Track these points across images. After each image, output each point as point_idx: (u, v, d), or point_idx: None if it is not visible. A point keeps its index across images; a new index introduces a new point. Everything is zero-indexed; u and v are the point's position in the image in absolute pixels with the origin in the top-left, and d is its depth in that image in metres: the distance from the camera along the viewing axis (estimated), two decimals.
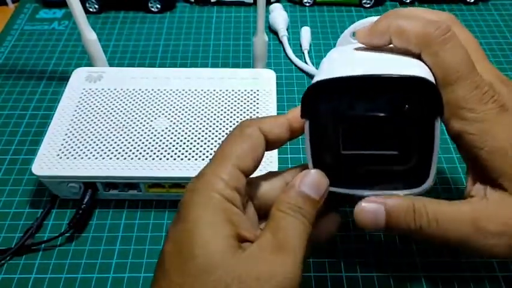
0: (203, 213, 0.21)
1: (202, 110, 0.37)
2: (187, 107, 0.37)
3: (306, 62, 0.49)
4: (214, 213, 0.21)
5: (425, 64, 0.23)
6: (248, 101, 0.38)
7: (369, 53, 0.24)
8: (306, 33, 0.51)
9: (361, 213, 0.22)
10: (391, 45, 0.24)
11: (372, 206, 0.22)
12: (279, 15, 0.53)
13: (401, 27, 0.23)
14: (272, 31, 0.53)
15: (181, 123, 0.36)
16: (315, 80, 0.22)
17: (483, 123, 0.22)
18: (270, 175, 0.25)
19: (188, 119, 0.37)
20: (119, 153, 0.34)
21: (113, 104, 0.38)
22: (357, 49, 0.25)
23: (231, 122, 0.36)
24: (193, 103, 0.38)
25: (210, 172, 0.22)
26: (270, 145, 0.23)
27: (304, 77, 0.48)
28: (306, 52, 0.49)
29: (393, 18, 0.24)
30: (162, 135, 0.35)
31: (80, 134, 0.35)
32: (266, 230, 0.21)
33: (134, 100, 0.38)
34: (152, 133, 0.36)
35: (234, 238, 0.20)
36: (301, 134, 0.23)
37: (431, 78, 0.22)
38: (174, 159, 0.34)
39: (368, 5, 0.56)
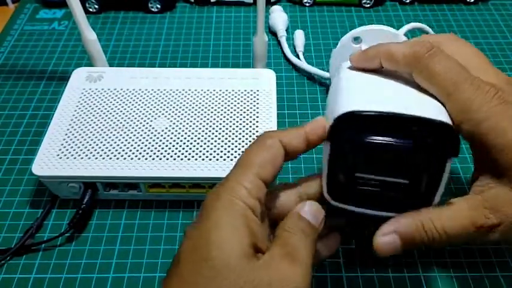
0: (224, 216, 0.21)
1: (202, 110, 0.37)
2: (187, 107, 0.37)
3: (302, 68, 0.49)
4: (235, 218, 0.21)
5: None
6: (248, 101, 0.38)
7: (388, 81, 0.26)
8: (299, 35, 0.51)
9: (379, 247, 0.24)
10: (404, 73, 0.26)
11: (387, 239, 0.24)
12: (279, 17, 0.53)
13: (390, 51, 0.25)
14: (271, 32, 0.53)
15: (181, 123, 0.36)
16: (342, 108, 0.23)
17: (490, 120, 0.22)
18: (286, 186, 0.26)
19: (188, 119, 0.37)
20: (119, 153, 0.34)
21: (113, 104, 0.38)
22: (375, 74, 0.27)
23: (231, 122, 0.36)
24: (193, 103, 0.38)
25: (234, 179, 0.23)
26: (288, 156, 0.24)
27: (304, 76, 0.48)
28: (300, 54, 0.49)
29: (382, 45, 0.26)
30: (162, 135, 0.35)
31: (80, 134, 0.35)
32: (275, 244, 0.22)
33: (134, 100, 0.38)
34: (152, 133, 0.36)
35: (250, 246, 0.21)
36: (316, 145, 0.25)
37: (448, 118, 0.23)
38: (174, 159, 0.34)
39: (368, 5, 0.56)
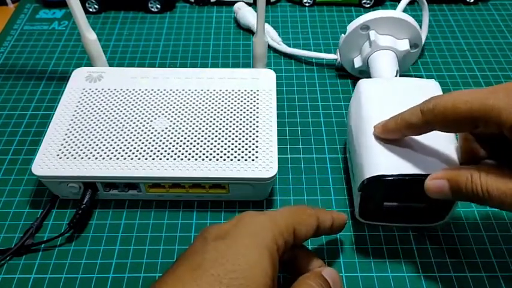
0: (256, 241, 0.23)
1: (202, 110, 0.37)
2: (187, 107, 0.37)
3: (283, 51, 0.50)
4: (264, 248, 0.23)
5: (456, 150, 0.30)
6: (248, 101, 0.38)
7: (413, 143, 0.30)
8: (270, 29, 0.51)
9: (430, 188, 0.27)
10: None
11: (438, 182, 0.26)
12: (248, 12, 0.53)
13: (407, 121, 0.28)
14: (244, 29, 0.53)
15: (181, 123, 0.36)
16: (369, 172, 0.29)
17: None
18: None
19: (188, 119, 0.37)
20: (119, 153, 0.34)
21: (113, 104, 0.38)
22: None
23: (231, 122, 0.36)
24: (193, 103, 0.38)
25: (279, 215, 0.26)
26: (316, 231, 0.28)
27: (304, 76, 0.48)
28: (281, 43, 0.50)
29: (398, 117, 0.29)
30: (162, 135, 0.35)
31: (80, 134, 0.35)
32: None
33: (134, 100, 0.38)
34: (152, 133, 0.36)
35: (271, 279, 0.23)
36: (335, 234, 0.33)
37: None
38: (174, 159, 0.34)
39: (368, 5, 0.56)
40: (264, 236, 0.24)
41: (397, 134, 0.29)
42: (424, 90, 0.34)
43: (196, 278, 0.21)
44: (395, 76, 0.41)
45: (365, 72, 0.44)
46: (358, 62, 0.44)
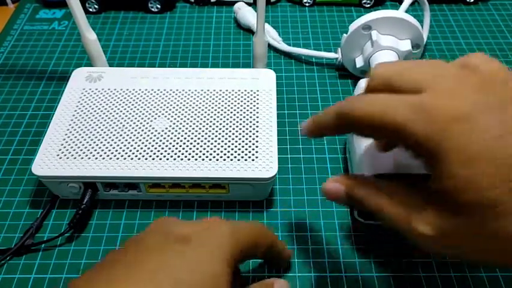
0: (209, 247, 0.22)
1: (202, 110, 0.37)
2: (187, 107, 0.37)
3: (285, 51, 0.50)
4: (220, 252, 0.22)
5: None
6: (248, 101, 0.38)
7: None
8: (270, 29, 0.51)
9: (326, 190, 0.26)
10: None
11: (335, 186, 0.25)
12: (248, 12, 0.53)
13: (319, 122, 0.26)
14: (244, 29, 0.53)
15: (181, 123, 0.36)
16: (369, 170, 0.30)
17: None
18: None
19: (188, 119, 0.37)
20: (119, 153, 0.34)
21: (113, 104, 0.38)
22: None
23: (231, 122, 0.36)
24: (193, 103, 0.38)
25: (238, 228, 0.24)
26: (270, 250, 0.27)
27: (304, 76, 0.48)
28: (282, 43, 0.50)
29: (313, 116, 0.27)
30: (162, 135, 0.35)
31: (80, 134, 0.35)
32: None
33: (134, 100, 0.38)
34: (152, 133, 0.35)
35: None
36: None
37: None
38: (174, 159, 0.34)
39: (368, 5, 0.56)
40: (225, 250, 0.22)
41: (317, 133, 0.27)
42: None
43: (156, 281, 0.20)
44: None
45: (366, 72, 0.44)
46: (359, 62, 0.44)
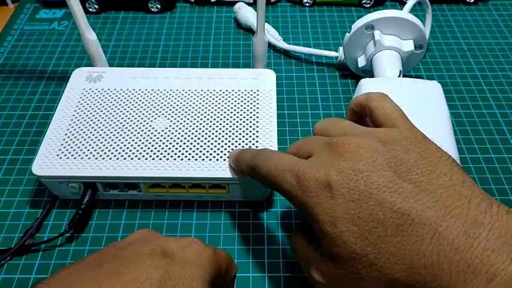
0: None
1: (202, 110, 0.37)
2: (187, 107, 0.37)
3: (285, 49, 0.50)
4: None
5: None
6: (248, 101, 0.38)
7: None
8: (270, 28, 0.52)
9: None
10: None
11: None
12: (248, 12, 0.53)
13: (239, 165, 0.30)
14: (244, 29, 0.53)
15: (181, 123, 0.36)
16: None
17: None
18: None
19: (188, 119, 0.37)
20: (119, 153, 0.34)
21: (113, 104, 0.38)
22: None
23: (231, 122, 0.36)
24: (193, 103, 0.38)
25: (217, 252, 0.25)
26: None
27: (304, 76, 0.48)
28: (282, 41, 0.50)
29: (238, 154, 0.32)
30: (162, 135, 0.35)
31: (80, 134, 0.35)
32: None
33: (134, 100, 0.38)
34: (152, 133, 0.35)
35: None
36: None
37: None
38: (174, 159, 0.34)
39: (368, 5, 0.56)
40: (206, 270, 0.22)
41: (238, 170, 0.32)
42: (426, 91, 0.34)
43: None
44: (398, 77, 0.40)
45: (369, 71, 0.44)
46: (362, 61, 0.44)
